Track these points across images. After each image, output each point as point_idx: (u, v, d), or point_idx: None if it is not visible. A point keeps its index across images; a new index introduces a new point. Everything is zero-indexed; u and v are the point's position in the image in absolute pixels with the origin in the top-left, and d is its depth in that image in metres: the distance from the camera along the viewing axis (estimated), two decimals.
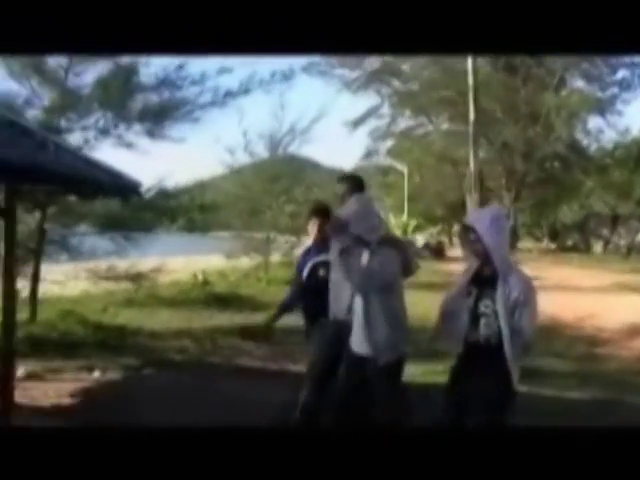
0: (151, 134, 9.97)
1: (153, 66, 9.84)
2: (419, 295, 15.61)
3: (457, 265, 28.09)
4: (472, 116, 21.97)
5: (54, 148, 4.71)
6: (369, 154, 40.46)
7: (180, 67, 9.79)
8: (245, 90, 10.61)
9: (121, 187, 5.34)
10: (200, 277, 15.54)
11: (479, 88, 30.40)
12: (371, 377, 4.08)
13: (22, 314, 8.19)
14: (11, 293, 5.39)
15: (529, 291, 3.62)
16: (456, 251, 37.84)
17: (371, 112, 35.93)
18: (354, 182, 4.81)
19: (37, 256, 9.45)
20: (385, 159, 41.90)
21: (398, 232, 30.76)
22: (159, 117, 9.85)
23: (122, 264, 10.99)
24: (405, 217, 33.01)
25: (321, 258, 4.84)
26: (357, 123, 34.85)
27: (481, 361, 3.73)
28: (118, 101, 9.39)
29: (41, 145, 4.67)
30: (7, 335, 5.33)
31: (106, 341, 8.76)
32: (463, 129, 36.29)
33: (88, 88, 9.46)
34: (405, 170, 35.13)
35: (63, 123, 9.32)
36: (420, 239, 31.98)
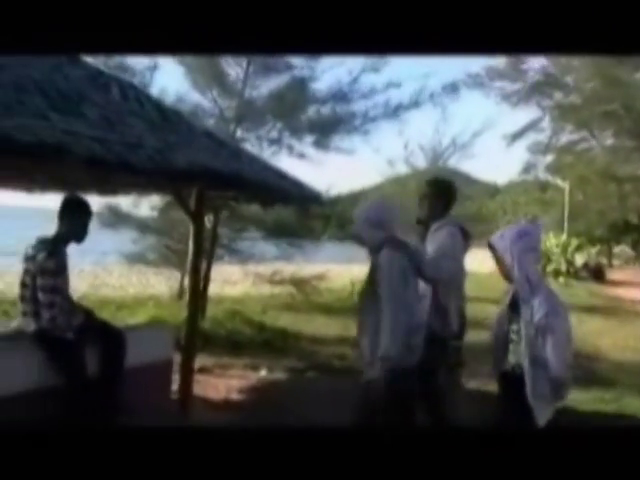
0: (320, 145, 10.30)
1: (325, 79, 10.19)
2: (579, 318, 15.03)
3: (619, 289, 26.65)
4: None
5: (247, 158, 5.02)
6: (527, 169, 38.99)
7: (354, 81, 10.06)
8: (415, 103, 10.73)
9: (304, 197, 5.58)
10: (357, 285, 15.69)
11: None
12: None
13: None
14: (197, 290, 5.79)
15: (555, 314, 3.21)
16: (617, 274, 35.76)
17: (531, 126, 34.57)
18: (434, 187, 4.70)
19: (209, 257, 10.04)
20: (544, 174, 40.31)
21: (558, 252, 29.53)
22: (329, 129, 10.16)
23: (287, 269, 11.40)
24: (565, 236, 31.51)
25: None
26: (516, 137, 33.67)
27: (509, 392, 3.45)
28: (291, 112, 9.79)
29: (235, 154, 5.00)
30: (191, 330, 5.70)
31: (270, 342, 9.15)
32: (629, 145, 34.15)
33: (263, 99, 9.94)
34: (567, 187, 33.52)
35: (239, 133, 9.86)
36: (579, 259, 30.47)
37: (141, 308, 11.01)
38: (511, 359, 3.39)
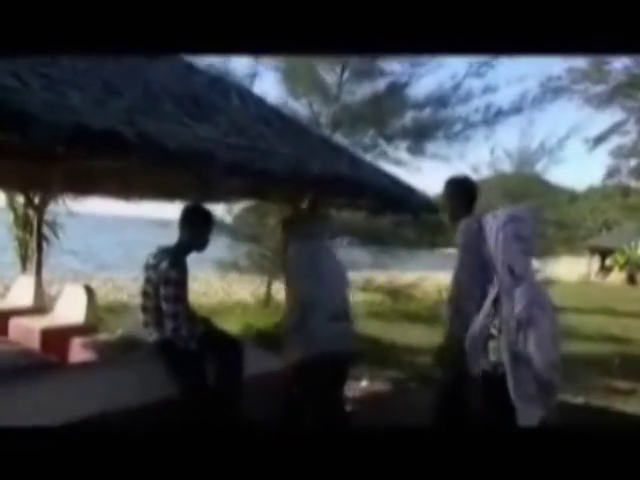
0: (415, 151, 10.14)
1: (423, 84, 10.08)
2: None
3: None
4: None
5: (365, 164, 4.89)
6: (611, 174, 37.69)
7: (457, 86, 9.87)
8: (517, 109, 10.46)
9: (418, 204, 5.40)
10: (444, 294, 15.38)
11: None
12: None
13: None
14: None
15: (538, 306, 2.88)
16: None
17: (614, 129, 33.44)
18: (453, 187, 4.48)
19: None
20: (628, 179, 38.88)
21: None
22: (425, 135, 9.98)
23: (380, 277, 11.27)
24: None
25: None
26: (599, 141, 32.60)
27: (490, 393, 3.14)
28: (387, 118, 9.67)
29: (354, 161, 4.86)
30: None
31: (366, 351, 8.98)
32: None
33: (359, 105, 9.84)
34: None
35: (335, 139, 9.77)
36: None
37: (229, 315, 11.03)
38: (492, 357, 3.09)
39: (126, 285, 17.74)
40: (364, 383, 7.44)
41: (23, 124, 2.15)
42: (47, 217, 8.66)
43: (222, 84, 4.78)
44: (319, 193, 4.62)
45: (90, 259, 26.31)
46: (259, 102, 4.95)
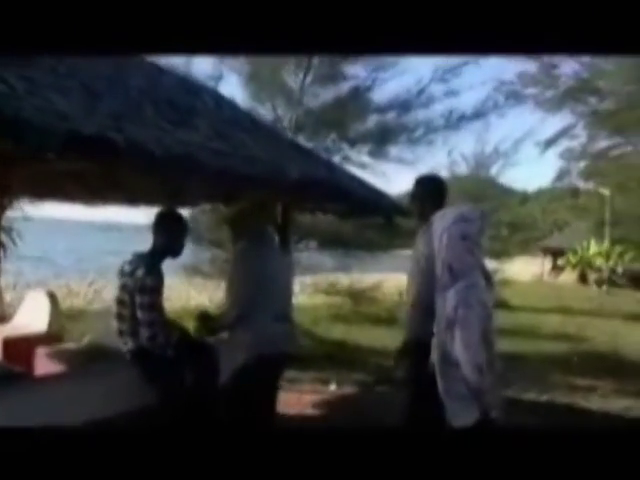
0: (377, 155, 10.18)
1: (386, 89, 10.08)
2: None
3: None
4: None
5: (338, 168, 4.88)
6: (561, 176, 38.61)
7: (420, 91, 9.94)
8: (477, 114, 10.61)
9: (388, 208, 5.41)
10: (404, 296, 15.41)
11: None
12: None
13: None
14: None
15: (466, 307, 2.79)
16: None
17: (564, 132, 34.26)
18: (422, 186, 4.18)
19: None
20: (577, 181, 39.88)
21: (601, 259, 29.13)
22: (389, 138, 10.03)
23: (344, 280, 11.28)
24: (607, 243, 31.12)
25: None
26: (549, 144, 33.34)
27: (421, 391, 3.23)
28: (349, 121, 9.69)
29: (328, 165, 4.86)
30: None
31: (332, 354, 9.00)
32: None
33: (322, 108, 9.83)
34: (607, 193, 33.08)
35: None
36: (621, 267, 30.12)
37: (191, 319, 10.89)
38: (432, 358, 3.06)
39: (81, 290, 17.40)
40: (332, 387, 7.44)
41: (17, 130, 2.09)
42: (4, 223, 8.40)
43: (193, 86, 4.72)
44: (297, 198, 4.60)
45: (43, 264, 25.67)
46: (231, 105, 4.90)
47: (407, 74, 10.86)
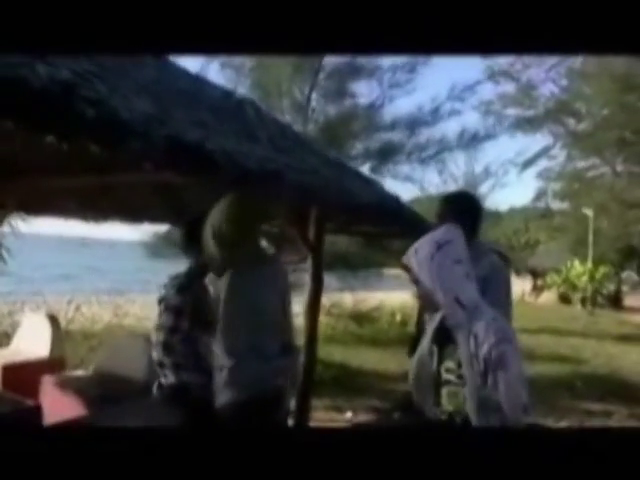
0: (377, 172, 10.03)
1: (393, 107, 10.00)
2: (620, 348, 14.68)
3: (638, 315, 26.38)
4: None
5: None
6: (538, 196, 39.03)
7: (435, 110, 9.86)
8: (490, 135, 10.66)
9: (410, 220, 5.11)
10: (398, 316, 15.22)
11: None
12: None
13: None
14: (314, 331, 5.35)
15: (506, 342, 2.43)
16: (629, 300, 35.47)
17: (542, 153, 34.71)
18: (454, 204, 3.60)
19: None
20: (553, 202, 40.34)
21: (585, 279, 29.33)
22: (389, 156, 9.89)
23: (347, 299, 11.01)
24: (590, 264, 31.40)
25: None
26: (527, 164, 33.72)
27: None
28: (352, 139, 9.53)
29: (373, 184, 4.57)
30: (307, 374, 5.25)
31: (339, 379, 8.66)
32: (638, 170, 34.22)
33: (326, 125, 9.63)
34: (590, 213, 33.55)
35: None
36: (606, 288, 30.54)
37: None
38: (447, 405, 2.61)
39: (62, 309, 16.80)
40: (349, 414, 7.10)
41: (116, 134, 1.76)
42: None
43: (233, 97, 4.38)
44: (354, 219, 4.32)
45: (21, 281, 24.83)
46: (271, 117, 4.59)
47: (417, 92, 10.79)
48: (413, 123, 9.91)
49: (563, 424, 7.30)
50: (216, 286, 3.46)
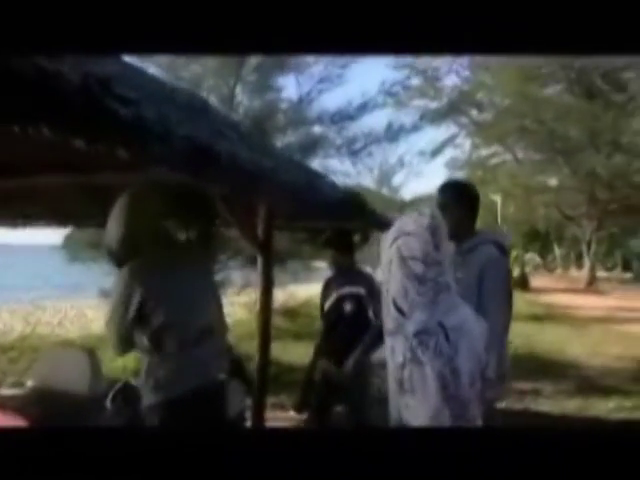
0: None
1: (316, 101, 9.99)
2: (533, 328, 15.23)
3: (544, 296, 27.55)
4: None
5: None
6: None
7: (363, 106, 9.91)
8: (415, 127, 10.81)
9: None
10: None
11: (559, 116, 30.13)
12: None
13: None
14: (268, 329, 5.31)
15: (412, 361, 2.11)
16: (534, 281, 36.98)
17: (448, 142, 35.85)
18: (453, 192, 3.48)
19: None
20: None
21: None
22: (311, 150, 9.92)
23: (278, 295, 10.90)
24: None
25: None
26: (435, 153, 34.79)
27: None
28: (275, 133, 9.49)
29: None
30: (261, 372, 5.24)
31: (279, 377, 8.56)
32: (540, 157, 35.92)
33: (249, 119, 9.53)
34: (499, 199, 34.77)
35: None
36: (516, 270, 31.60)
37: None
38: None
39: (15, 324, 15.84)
40: (292, 412, 7.03)
41: (137, 136, 1.67)
42: None
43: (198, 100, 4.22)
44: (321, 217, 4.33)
45: None
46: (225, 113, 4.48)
47: (342, 86, 10.83)
48: (340, 117, 9.97)
49: (503, 405, 7.51)
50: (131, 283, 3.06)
